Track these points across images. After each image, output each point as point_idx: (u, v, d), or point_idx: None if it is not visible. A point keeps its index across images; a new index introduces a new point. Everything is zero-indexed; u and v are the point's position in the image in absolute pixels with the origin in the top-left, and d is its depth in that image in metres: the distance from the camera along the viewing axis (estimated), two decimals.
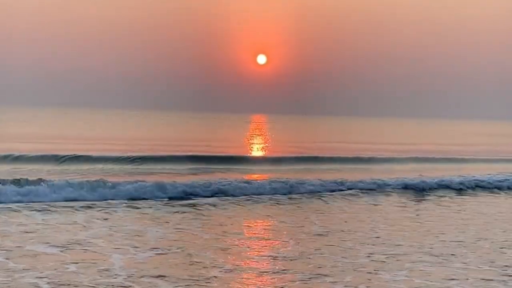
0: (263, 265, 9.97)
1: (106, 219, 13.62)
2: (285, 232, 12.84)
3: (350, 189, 19.16)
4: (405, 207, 17.30)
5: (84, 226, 12.68)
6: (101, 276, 8.99)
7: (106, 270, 9.31)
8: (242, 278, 9.22)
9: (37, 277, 8.83)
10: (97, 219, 13.59)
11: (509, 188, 20.98)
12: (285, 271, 9.60)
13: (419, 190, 19.92)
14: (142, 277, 9.04)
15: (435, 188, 20.41)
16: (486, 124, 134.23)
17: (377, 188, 19.47)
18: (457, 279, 9.50)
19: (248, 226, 13.54)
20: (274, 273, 9.51)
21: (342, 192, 18.93)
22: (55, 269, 9.29)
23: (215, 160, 25.88)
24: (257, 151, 36.79)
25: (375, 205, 17.30)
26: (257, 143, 44.55)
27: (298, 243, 11.73)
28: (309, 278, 9.26)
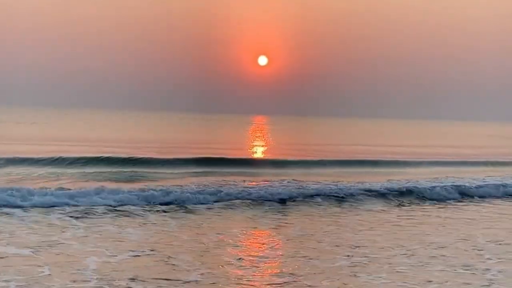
0: (241, 268, 9.82)
1: (83, 220, 13.33)
2: (265, 236, 12.65)
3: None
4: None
5: (60, 228, 12.47)
6: (73, 280, 8.81)
7: (79, 273, 9.14)
8: (220, 282, 9.07)
9: (4, 280, 8.65)
10: (74, 220, 13.33)
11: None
12: (263, 274, 9.48)
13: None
14: (114, 280, 8.87)
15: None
16: (488, 126, 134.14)
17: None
18: (436, 282, 9.35)
19: (228, 230, 13.17)
20: (252, 274, 9.38)
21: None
22: (25, 272, 9.11)
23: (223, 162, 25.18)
24: (259, 153, 36.48)
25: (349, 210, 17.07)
26: (260, 145, 43.88)
27: (276, 245, 11.56)
28: (286, 282, 9.11)
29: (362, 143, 48.76)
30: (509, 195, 20.34)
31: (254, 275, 9.44)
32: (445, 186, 20.16)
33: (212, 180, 19.92)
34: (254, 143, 46.22)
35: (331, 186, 19.07)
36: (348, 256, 10.87)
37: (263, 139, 52.85)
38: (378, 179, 22.04)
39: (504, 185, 21.33)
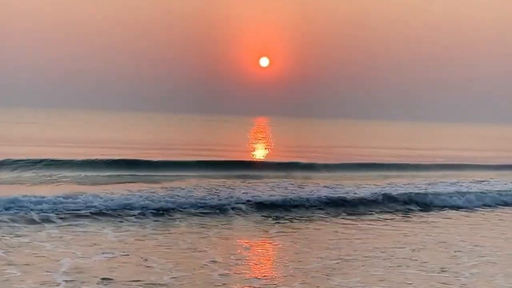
0: (214, 271, 9.67)
1: (59, 222, 13.10)
2: (239, 239, 12.44)
3: None
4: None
5: (36, 228, 12.35)
6: (43, 282, 8.70)
7: (49, 274, 9.03)
8: (193, 284, 8.97)
9: None
10: (51, 220, 13.16)
11: None
12: (235, 277, 9.36)
13: None
14: (84, 282, 8.75)
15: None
16: (491, 127, 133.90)
17: None
18: (412, 284, 9.25)
19: (207, 234, 12.90)
20: (222, 277, 9.27)
21: None
22: None
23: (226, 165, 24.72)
24: (260, 155, 36.21)
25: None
26: (262, 147, 43.55)
27: (250, 248, 11.42)
28: (260, 285, 9.00)
29: (380, 145, 48.31)
30: None
31: (229, 278, 9.32)
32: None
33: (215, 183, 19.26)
34: (263, 146, 45.51)
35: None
36: (321, 258, 10.76)
37: (273, 142, 51.70)
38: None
39: None
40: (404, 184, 21.13)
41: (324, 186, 19.42)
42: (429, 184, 21.57)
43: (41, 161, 21.93)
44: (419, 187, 20.63)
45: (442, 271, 10.14)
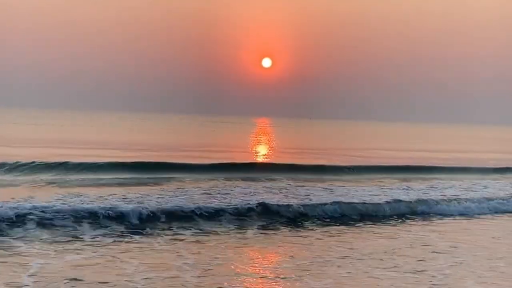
0: (187, 273, 9.29)
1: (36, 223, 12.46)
2: (213, 243, 11.81)
3: None
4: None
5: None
6: (8, 282, 8.41)
7: (16, 274, 8.73)
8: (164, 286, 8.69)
9: None
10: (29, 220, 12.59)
11: None
12: (204, 280, 9.01)
13: None
14: (52, 282, 8.47)
15: None
16: (492, 128, 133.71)
17: None
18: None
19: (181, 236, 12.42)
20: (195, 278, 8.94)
21: None
22: None
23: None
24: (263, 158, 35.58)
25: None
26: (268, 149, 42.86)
27: (224, 250, 10.94)
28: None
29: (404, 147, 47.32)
30: None
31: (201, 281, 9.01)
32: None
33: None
34: (281, 148, 44.20)
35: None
36: (292, 257, 10.52)
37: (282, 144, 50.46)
38: None
39: None
40: None
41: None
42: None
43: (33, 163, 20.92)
44: None
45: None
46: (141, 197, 15.09)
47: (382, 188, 19.71)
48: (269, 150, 39.52)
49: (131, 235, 11.62)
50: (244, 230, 12.77)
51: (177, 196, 15.68)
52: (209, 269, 9.39)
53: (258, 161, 29.13)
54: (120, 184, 18.19)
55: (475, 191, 20.43)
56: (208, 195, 16.21)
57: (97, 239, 11.16)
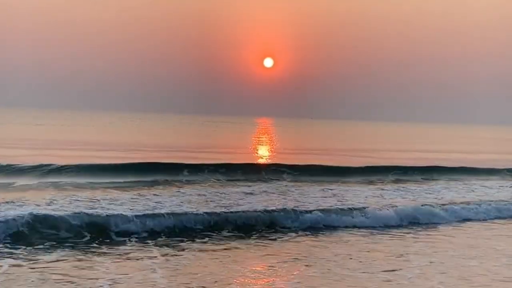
0: (160, 274, 9.21)
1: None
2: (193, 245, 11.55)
3: None
4: None
5: None
6: None
7: None
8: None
9: None
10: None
11: None
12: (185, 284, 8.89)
13: None
14: (20, 285, 8.33)
15: None
16: (493, 128, 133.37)
17: None
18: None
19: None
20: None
21: None
22: None
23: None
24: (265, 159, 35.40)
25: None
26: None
27: (197, 253, 10.76)
28: None
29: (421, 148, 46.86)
30: None
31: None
32: None
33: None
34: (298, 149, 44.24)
35: None
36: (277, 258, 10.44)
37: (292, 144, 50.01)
38: None
39: None
40: None
41: None
42: None
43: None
44: None
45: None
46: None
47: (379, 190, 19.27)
48: (270, 151, 39.53)
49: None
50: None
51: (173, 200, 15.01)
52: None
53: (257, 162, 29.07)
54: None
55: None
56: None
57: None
